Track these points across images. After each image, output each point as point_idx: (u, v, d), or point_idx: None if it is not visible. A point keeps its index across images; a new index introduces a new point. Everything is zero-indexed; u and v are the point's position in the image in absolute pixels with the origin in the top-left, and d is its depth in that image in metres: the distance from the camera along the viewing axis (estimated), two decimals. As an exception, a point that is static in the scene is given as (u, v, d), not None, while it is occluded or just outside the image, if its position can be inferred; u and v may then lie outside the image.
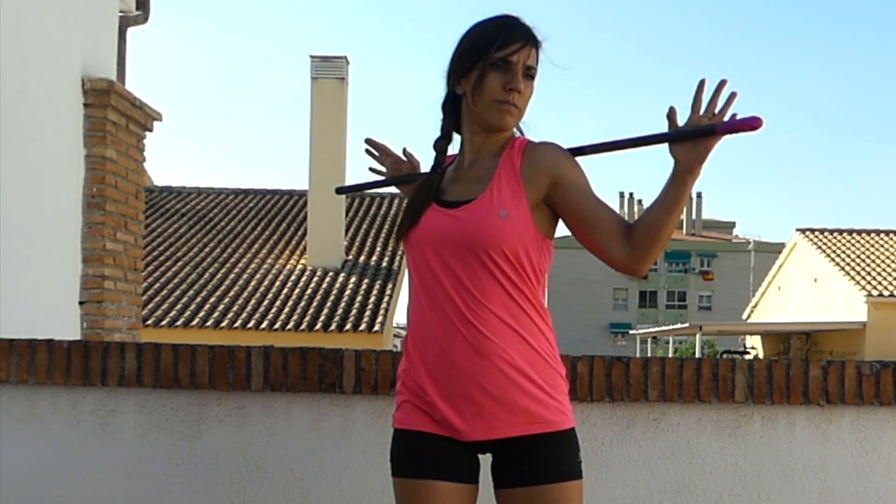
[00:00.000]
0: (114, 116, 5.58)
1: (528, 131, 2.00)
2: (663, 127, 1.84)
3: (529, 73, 1.90)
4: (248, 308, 14.34)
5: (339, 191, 2.55)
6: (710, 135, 1.78)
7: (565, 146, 1.96)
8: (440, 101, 2.01)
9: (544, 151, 1.90)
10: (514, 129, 1.98)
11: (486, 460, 1.94)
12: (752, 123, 1.77)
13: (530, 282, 1.87)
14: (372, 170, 2.39)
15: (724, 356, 20.37)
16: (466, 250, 1.84)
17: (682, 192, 1.82)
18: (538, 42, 1.92)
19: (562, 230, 1.98)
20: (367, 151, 2.39)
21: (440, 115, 2.02)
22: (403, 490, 1.91)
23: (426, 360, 1.88)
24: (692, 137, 1.80)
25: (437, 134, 2.01)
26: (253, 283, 15.25)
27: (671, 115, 1.83)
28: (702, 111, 1.81)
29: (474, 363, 1.83)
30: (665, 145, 1.85)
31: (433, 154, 2.03)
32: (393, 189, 2.46)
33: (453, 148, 2.04)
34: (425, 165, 2.19)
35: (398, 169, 2.33)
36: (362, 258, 16.16)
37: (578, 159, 1.94)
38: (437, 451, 1.88)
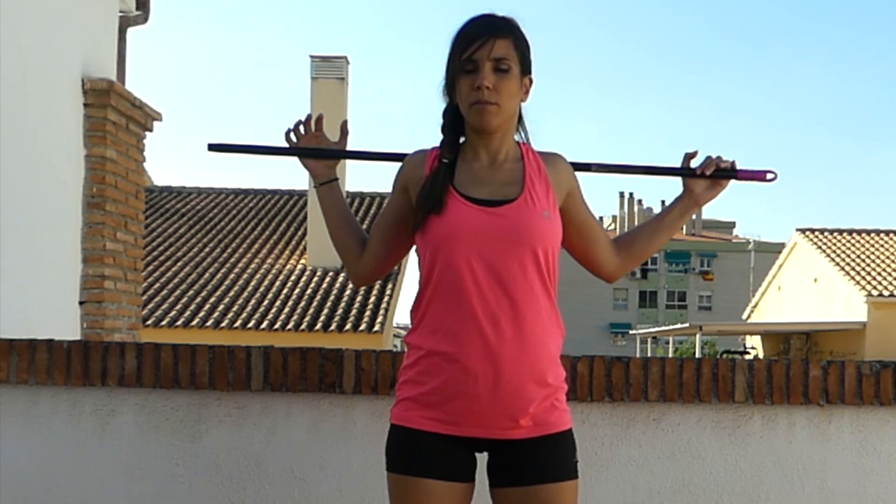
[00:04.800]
0: (114, 116, 5.58)
1: (533, 133, 2.03)
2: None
3: (500, 66, 1.88)
4: (248, 308, 14.34)
5: (213, 147, 2.19)
6: (730, 178, 2.12)
7: (573, 160, 2.08)
8: (440, 110, 2.00)
9: (563, 162, 2.02)
10: (520, 132, 2.01)
11: (481, 458, 1.94)
12: (766, 176, 2.15)
13: (552, 282, 1.92)
14: (287, 136, 2.15)
15: (724, 356, 20.38)
16: (512, 248, 1.85)
17: (685, 220, 2.18)
18: (504, 32, 1.90)
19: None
20: (286, 136, 2.13)
21: (441, 123, 2.00)
22: (397, 486, 1.91)
23: (441, 355, 1.86)
24: (713, 177, 2.11)
25: (439, 136, 2.00)
26: (253, 283, 15.25)
27: (693, 155, 2.12)
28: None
29: (489, 363, 1.83)
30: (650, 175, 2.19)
31: (420, 149, 2.02)
32: (386, 188, 2.36)
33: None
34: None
35: (317, 144, 2.13)
36: (362, 258, 16.13)
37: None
38: (434, 450, 1.88)
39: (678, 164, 2.15)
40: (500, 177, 1.93)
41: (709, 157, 2.12)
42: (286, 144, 2.16)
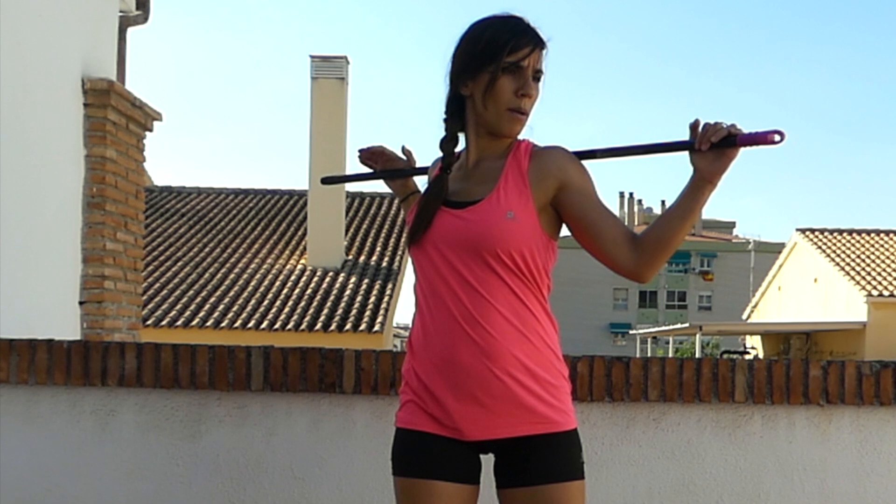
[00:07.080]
0: (114, 116, 5.58)
1: (530, 132, 2.00)
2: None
3: (537, 76, 1.91)
4: (248, 308, 14.34)
5: (326, 181, 2.51)
6: (729, 146, 1.82)
7: (577, 149, 1.98)
8: (443, 101, 1.98)
9: (552, 155, 1.92)
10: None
11: (487, 460, 1.94)
12: (770, 138, 1.82)
13: (535, 282, 1.88)
14: (364, 163, 2.33)
15: (724, 356, 20.38)
16: (473, 251, 1.84)
17: (699, 202, 1.87)
18: (543, 44, 1.92)
19: (563, 230, 1.99)
20: (363, 162, 2.33)
21: (444, 116, 1.99)
22: (404, 489, 1.91)
23: (433, 359, 1.87)
24: (712, 148, 1.83)
25: (440, 134, 1.99)
26: (253, 283, 15.25)
27: (695, 125, 1.85)
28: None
29: (480, 363, 1.83)
30: (671, 154, 1.93)
31: (440, 155, 2.00)
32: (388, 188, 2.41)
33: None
34: (423, 163, 2.21)
35: (393, 166, 2.28)
36: (362, 258, 16.16)
37: (587, 163, 1.96)
38: (439, 452, 1.88)
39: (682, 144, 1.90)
40: (476, 175, 1.93)
41: (704, 127, 1.84)
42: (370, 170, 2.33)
